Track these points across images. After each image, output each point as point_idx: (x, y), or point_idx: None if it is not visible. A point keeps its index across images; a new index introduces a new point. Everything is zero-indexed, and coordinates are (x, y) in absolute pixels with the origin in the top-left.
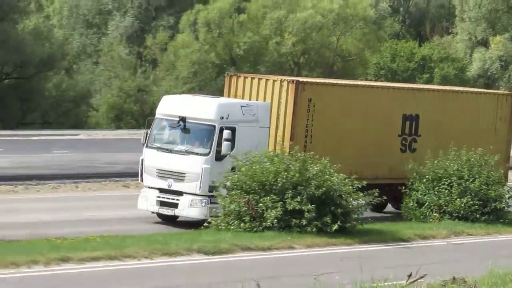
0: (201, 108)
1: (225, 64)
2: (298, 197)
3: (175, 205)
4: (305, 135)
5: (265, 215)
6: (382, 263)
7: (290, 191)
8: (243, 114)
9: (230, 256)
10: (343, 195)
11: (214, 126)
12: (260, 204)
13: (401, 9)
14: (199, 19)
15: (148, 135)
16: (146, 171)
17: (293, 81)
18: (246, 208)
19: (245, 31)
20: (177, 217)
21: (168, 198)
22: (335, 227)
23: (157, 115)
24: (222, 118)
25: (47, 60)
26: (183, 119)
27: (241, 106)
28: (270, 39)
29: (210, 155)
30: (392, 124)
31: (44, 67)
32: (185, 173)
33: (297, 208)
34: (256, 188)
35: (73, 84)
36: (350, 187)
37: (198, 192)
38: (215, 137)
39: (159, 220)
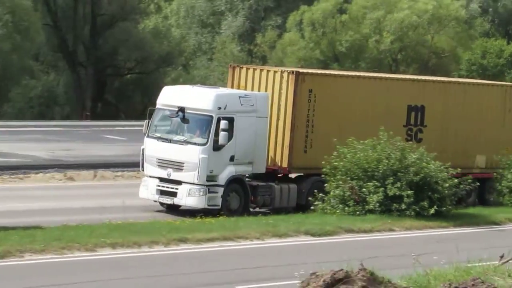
0: (199, 98)
1: (328, 61)
2: (398, 183)
3: (174, 194)
4: (306, 125)
5: (367, 199)
6: (476, 244)
7: (391, 177)
8: (242, 105)
9: (335, 238)
10: (439, 181)
11: (212, 117)
12: (364, 190)
13: (490, 9)
14: (305, 19)
15: (149, 125)
16: (147, 160)
17: (293, 72)
18: (350, 193)
19: (346, 30)
20: (179, 205)
21: (168, 187)
22: (432, 211)
23: (157, 106)
24: (219, 108)
25: (166, 57)
26: (182, 109)
27: (239, 97)
28: (369, 37)
29: (208, 145)
30: (396, 115)
31: (163, 63)
32: (183, 163)
33: (397, 193)
34: (360, 175)
35: (189, 78)
36: (445, 174)
37: (196, 181)
38: (212, 127)
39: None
